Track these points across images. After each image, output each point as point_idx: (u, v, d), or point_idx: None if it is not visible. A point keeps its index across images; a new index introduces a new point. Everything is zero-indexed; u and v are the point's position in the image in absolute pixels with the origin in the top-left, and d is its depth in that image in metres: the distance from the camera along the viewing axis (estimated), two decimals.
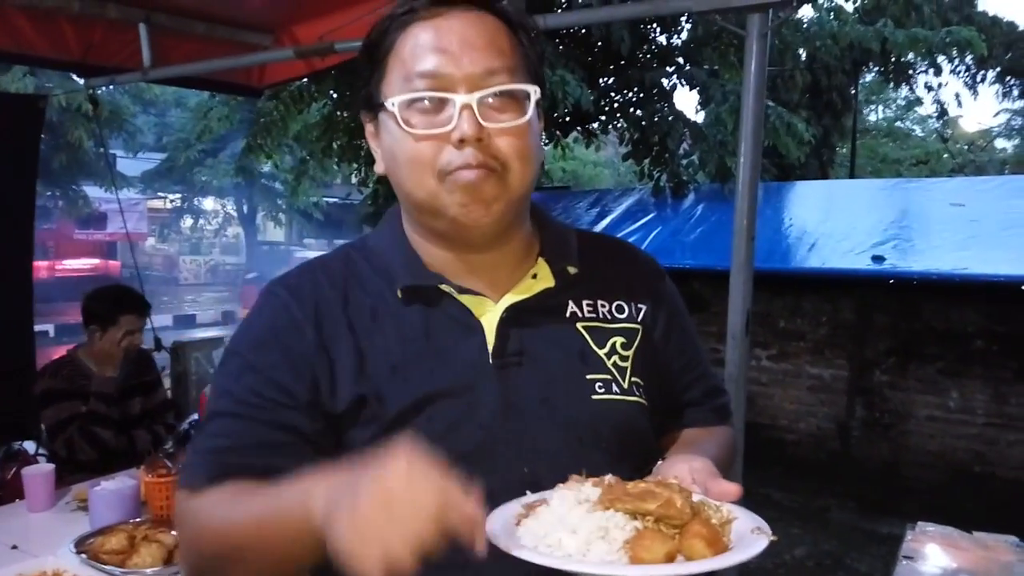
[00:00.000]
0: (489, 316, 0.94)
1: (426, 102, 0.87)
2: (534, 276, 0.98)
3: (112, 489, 2.04)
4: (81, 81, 3.73)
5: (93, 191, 15.87)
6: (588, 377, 0.96)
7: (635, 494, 0.77)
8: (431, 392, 0.90)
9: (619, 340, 0.99)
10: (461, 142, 0.86)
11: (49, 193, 14.83)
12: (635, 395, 0.98)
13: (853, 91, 11.43)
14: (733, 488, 0.82)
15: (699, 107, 7.92)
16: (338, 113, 7.87)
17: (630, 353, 0.99)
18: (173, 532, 1.87)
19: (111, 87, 14.96)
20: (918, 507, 4.31)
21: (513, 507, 0.82)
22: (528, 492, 0.85)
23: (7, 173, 3.65)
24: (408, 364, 0.91)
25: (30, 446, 3.36)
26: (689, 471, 0.85)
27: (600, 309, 1.01)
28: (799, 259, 5.66)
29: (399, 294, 0.94)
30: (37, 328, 4.25)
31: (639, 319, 1.03)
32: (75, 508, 2.20)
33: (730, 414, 1.17)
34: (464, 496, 0.67)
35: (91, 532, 1.89)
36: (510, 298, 0.96)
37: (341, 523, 0.65)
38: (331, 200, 19.35)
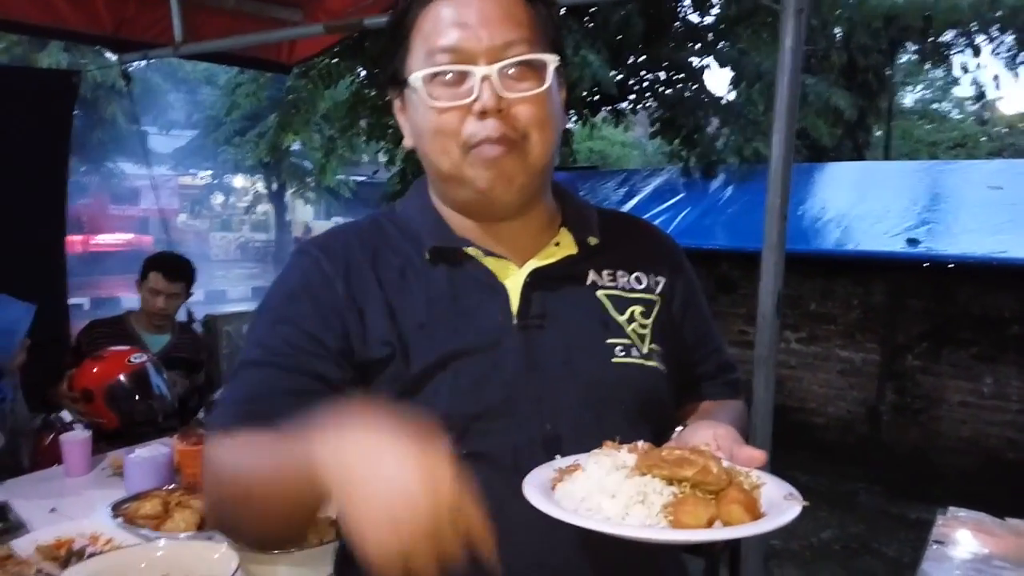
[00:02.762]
0: (513, 279, 0.98)
1: (448, 75, 0.90)
2: (557, 244, 1.02)
3: (146, 456, 2.09)
4: (114, 57, 3.77)
5: (127, 167, 16.09)
6: (608, 341, 0.99)
7: (671, 460, 0.78)
8: (456, 349, 0.92)
9: (638, 308, 1.03)
10: (482, 113, 0.89)
11: (84, 169, 15.06)
12: (654, 361, 1.01)
13: (888, 71, 11.16)
14: (759, 454, 0.84)
15: (731, 86, 7.80)
16: (365, 91, 7.87)
17: (649, 321, 1.03)
18: None
19: (144, 65, 15.13)
20: (948, 493, 4.25)
21: (546, 471, 0.83)
22: (550, 449, 0.89)
23: (41, 148, 3.71)
24: (434, 322, 0.94)
25: (65, 415, 3.43)
26: (714, 437, 0.87)
27: (620, 279, 1.04)
28: (831, 241, 5.57)
29: (427, 255, 0.97)
30: (73, 301, 4.34)
31: (657, 291, 1.06)
32: (111, 474, 2.25)
33: (741, 390, 1.20)
34: (473, 501, 0.65)
35: (127, 497, 1.93)
36: (534, 263, 0.99)
37: (355, 514, 0.64)
38: (359, 179, 19.40)
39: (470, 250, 0.97)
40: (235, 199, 23.14)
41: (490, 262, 0.98)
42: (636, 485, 0.76)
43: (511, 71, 0.90)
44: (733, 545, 2.40)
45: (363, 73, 7.78)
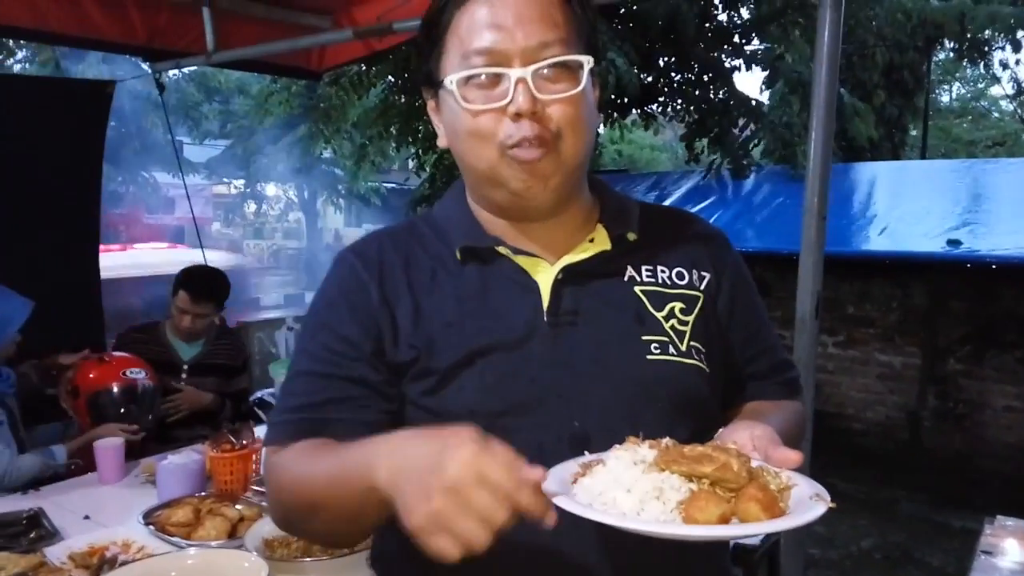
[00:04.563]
0: (544, 276, 0.97)
1: (483, 77, 0.90)
2: (591, 240, 1.00)
3: (179, 463, 2.09)
4: (147, 67, 3.82)
5: (161, 177, 16.36)
6: (644, 338, 0.96)
7: (691, 457, 0.77)
8: (483, 346, 0.93)
9: (678, 305, 1.00)
10: (517, 115, 0.89)
11: (120, 178, 15.35)
12: (693, 359, 0.97)
13: (925, 69, 10.93)
14: (793, 455, 0.80)
15: (763, 87, 7.70)
16: (395, 98, 7.92)
17: (690, 319, 0.99)
18: (237, 506, 1.91)
19: (178, 76, 15.37)
20: (993, 501, 4.13)
21: (570, 466, 0.82)
22: (576, 447, 0.87)
23: (74, 157, 3.78)
24: (462, 320, 0.95)
25: None
26: (750, 437, 0.84)
27: (660, 274, 1.01)
28: (869, 242, 5.45)
29: (458, 255, 0.98)
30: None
31: (701, 287, 1.03)
32: (144, 481, 2.26)
33: (799, 390, 1.14)
34: (530, 471, 0.68)
35: (159, 505, 1.93)
36: (566, 259, 0.98)
37: (413, 509, 0.68)
38: (389, 185, 19.54)
39: (501, 249, 0.97)
40: (267, 207, 23.41)
41: (522, 260, 0.98)
42: (653, 481, 0.75)
43: (546, 72, 0.90)
44: (771, 553, 2.34)
45: (393, 80, 7.83)
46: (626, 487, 0.75)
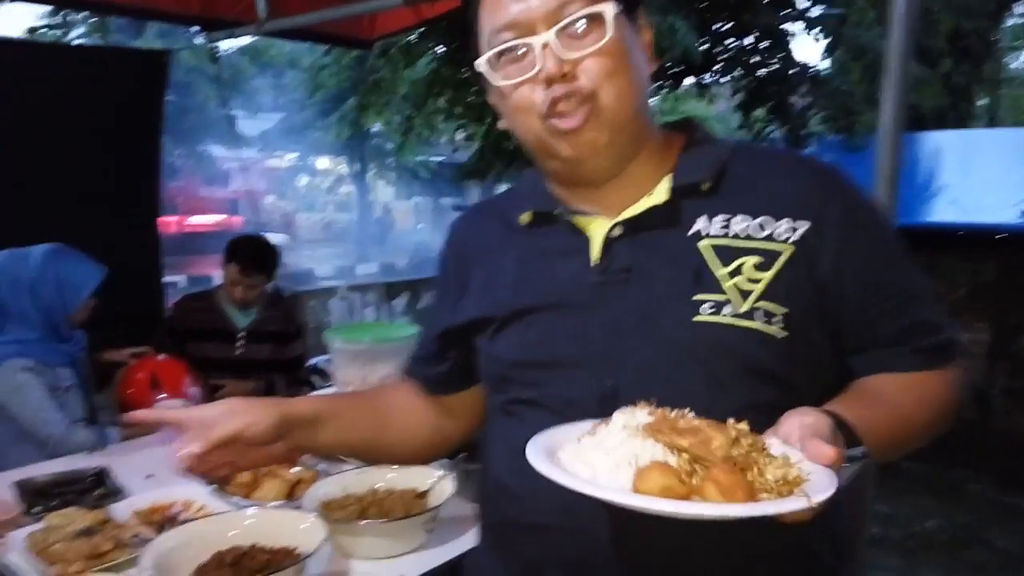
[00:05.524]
0: (599, 234, 0.96)
1: (511, 51, 0.91)
2: (654, 194, 0.95)
3: None
4: (202, 39, 3.84)
5: (216, 150, 16.67)
6: (696, 297, 0.89)
7: (678, 429, 0.75)
8: (530, 305, 0.97)
9: (752, 260, 0.90)
10: (548, 81, 0.88)
11: (178, 152, 15.67)
12: (757, 321, 0.88)
13: (995, 36, 10.42)
14: (828, 451, 0.72)
15: (825, 54, 7.44)
16: (444, 69, 7.86)
17: (764, 275, 0.89)
18: (294, 469, 1.92)
19: (232, 51, 15.56)
20: None
21: (584, 425, 0.82)
22: (604, 405, 0.85)
23: (134, 128, 3.81)
24: (517, 281, 0.99)
25: None
26: (799, 426, 0.76)
27: (735, 226, 0.92)
28: (936, 214, 5.24)
29: (521, 220, 1.02)
30: (169, 279, 4.48)
31: (791, 238, 0.91)
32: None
33: (948, 356, 0.95)
34: None
35: None
36: (621, 216, 0.95)
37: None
38: (437, 159, 19.56)
39: (559, 211, 0.98)
40: (319, 180, 23.71)
41: (579, 220, 0.97)
42: (633, 448, 0.74)
43: (570, 30, 0.88)
44: None
45: (442, 51, 7.77)
46: (606, 451, 0.75)
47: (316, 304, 5.17)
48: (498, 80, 0.92)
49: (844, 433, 0.78)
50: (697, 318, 0.89)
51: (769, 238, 0.91)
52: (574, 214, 0.97)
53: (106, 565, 1.47)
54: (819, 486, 0.69)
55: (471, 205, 1.21)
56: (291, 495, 1.80)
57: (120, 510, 1.73)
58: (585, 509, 0.84)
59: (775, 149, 1.10)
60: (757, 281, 0.89)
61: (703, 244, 0.92)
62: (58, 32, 10.68)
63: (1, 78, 3.23)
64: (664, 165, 0.97)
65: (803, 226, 0.91)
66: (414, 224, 24.29)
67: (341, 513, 1.61)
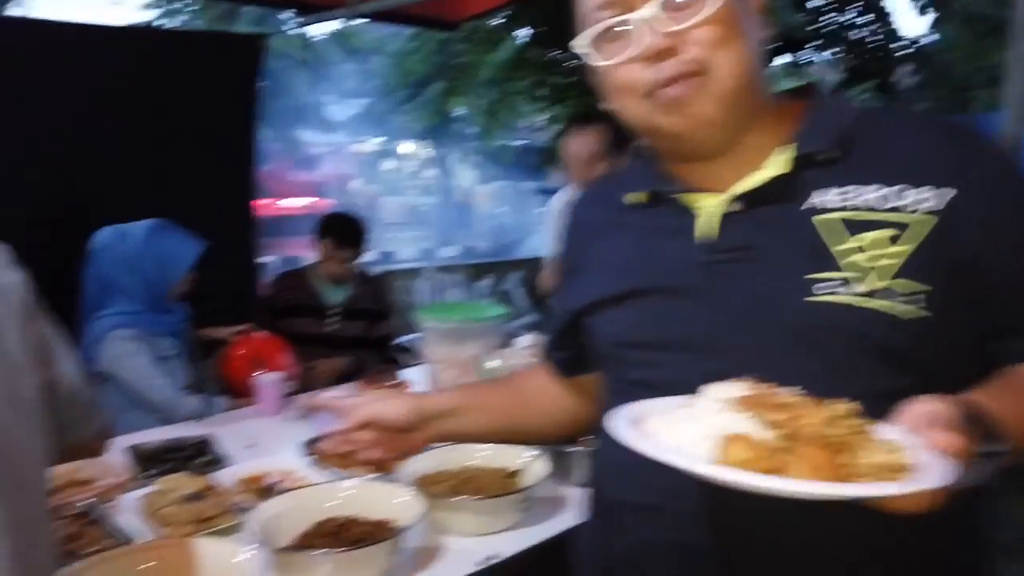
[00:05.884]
0: (709, 211, 0.90)
1: (611, 30, 0.87)
2: (770, 165, 0.88)
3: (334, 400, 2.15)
4: (295, 24, 3.91)
5: (306, 135, 17.14)
6: (811, 276, 0.83)
7: (774, 404, 0.71)
8: (637, 286, 0.95)
9: (882, 234, 0.82)
10: (652, 58, 0.84)
11: (270, 136, 16.19)
12: (886, 300, 0.81)
13: None
14: (945, 438, 0.65)
15: (931, 28, 7.03)
16: (529, 50, 7.81)
17: (900, 249, 0.81)
18: None
19: (321, 38, 15.91)
20: None
21: (678, 400, 0.79)
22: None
23: (232, 111, 3.90)
24: (624, 262, 0.97)
25: None
26: (919, 412, 0.68)
27: (860, 197, 0.84)
28: None
29: (628, 200, 0.99)
30: (261, 260, 4.62)
31: (934, 208, 0.82)
32: (301, 415, 2.35)
33: None
34: None
35: (316, 437, 2.00)
36: (731, 191, 0.89)
37: None
38: (519, 143, 19.55)
39: (668, 189, 0.94)
40: (403, 164, 24.07)
41: (688, 198, 0.92)
42: (724, 420, 0.71)
43: (674, 2, 0.83)
44: None
45: (528, 32, 7.73)
46: (694, 422, 0.73)
47: (402, 284, 5.25)
48: (600, 60, 0.88)
49: (981, 425, 0.70)
50: (811, 298, 0.82)
51: (904, 209, 0.82)
52: (682, 192, 0.93)
53: (213, 529, 1.52)
54: (928, 477, 0.63)
55: (587, 186, 1.18)
56: (386, 469, 1.82)
57: (224, 477, 1.79)
58: (694, 492, 0.81)
59: (906, 111, 1.00)
60: (890, 256, 0.81)
61: (821, 219, 0.85)
62: (164, 20, 11.19)
63: (110, 64, 3.37)
64: (779, 135, 0.89)
65: (948, 194, 0.82)
66: (494, 208, 24.39)
67: (435, 488, 1.62)
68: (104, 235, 2.52)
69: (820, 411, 0.69)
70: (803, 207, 0.86)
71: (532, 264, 7.12)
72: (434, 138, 20.54)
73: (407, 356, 3.34)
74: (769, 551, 0.85)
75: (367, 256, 3.34)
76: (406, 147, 22.70)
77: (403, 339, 3.50)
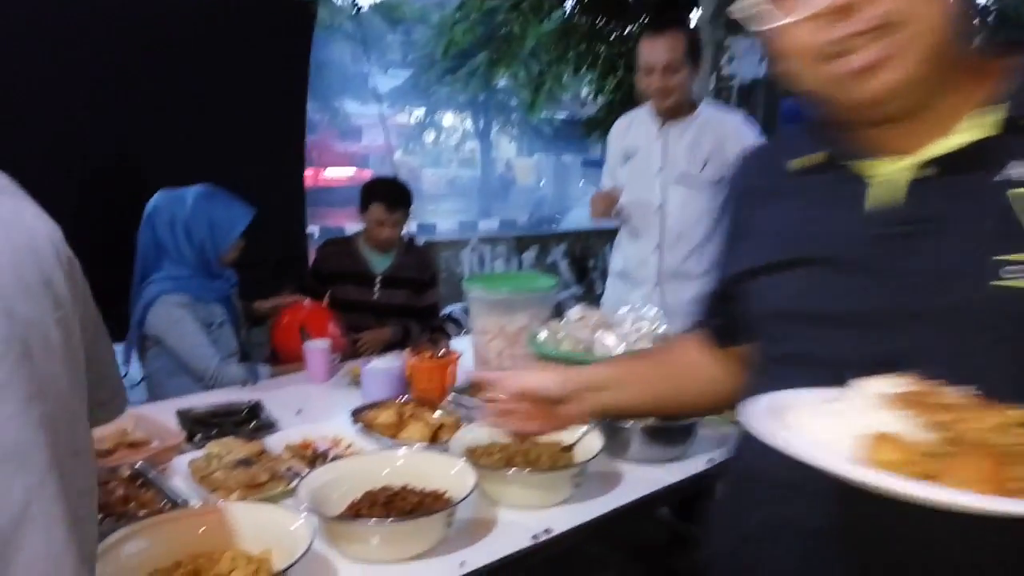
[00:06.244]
0: (892, 177, 0.82)
1: None
2: (968, 128, 0.78)
3: (382, 368, 2.14)
4: None
5: (350, 106, 17.16)
6: (997, 257, 0.74)
7: (938, 404, 0.65)
8: (800, 256, 0.89)
9: None
10: (834, 16, 0.75)
11: (315, 106, 16.27)
12: None
13: None
14: None
15: None
16: (577, 19, 7.64)
17: None
18: (436, 413, 1.91)
19: (364, 7, 15.87)
20: None
21: (830, 392, 0.74)
22: (879, 372, 0.74)
23: (282, 77, 3.88)
24: (786, 230, 0.92)
25: None
26: None
27: None
28: None
29: (792, 166, 0.94)
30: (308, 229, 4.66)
31: None
32: (349, 383, 2.34)
33: None
34: None
35: (364, 405, 1.98)
36: (924, 154, 0.79)
37: None
38: (561, 115, 19.36)
39: (837, 156, 0.87)
40: (445, 136, 24.05)
41: (863, 165, 0.84)
42: (879, 417, 0.65)
43: None
44: None
45: (574, 1, 7.56)
46: (841, 416, 0.68)
47: (447, 255, 5.22)
48: (769, 21, 0.80)
49: None
50: (995, 282, 0.74)
51: None
52: (853, 158, 0.85)
53: (263, 495, 1.51)
54: None
55: (750, 148, 1.11)
56: (434, 439, 1.79)
57: (273, 443, 1.78)
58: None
59: None
60: None
61: (1018, 192, 0.75)
62: None
63: (163, 29, 3.35)
64: (976, 95, 0.80)
65: None
66: (536, 181, 24.25)
67: (488, 460, 1.59)
68: (158, 198, 2.52)
69: (990, 416, 0.63)
70: (997, 178, 0.77)
71: (575, 237, 7.04)
72: (476, 110, 20.48)
73: (454, 326, 3.31)
74: (903, 554, 0.78)
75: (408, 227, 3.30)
76: (448, 119, 22.65)
77: (449, 310, 3.47)
